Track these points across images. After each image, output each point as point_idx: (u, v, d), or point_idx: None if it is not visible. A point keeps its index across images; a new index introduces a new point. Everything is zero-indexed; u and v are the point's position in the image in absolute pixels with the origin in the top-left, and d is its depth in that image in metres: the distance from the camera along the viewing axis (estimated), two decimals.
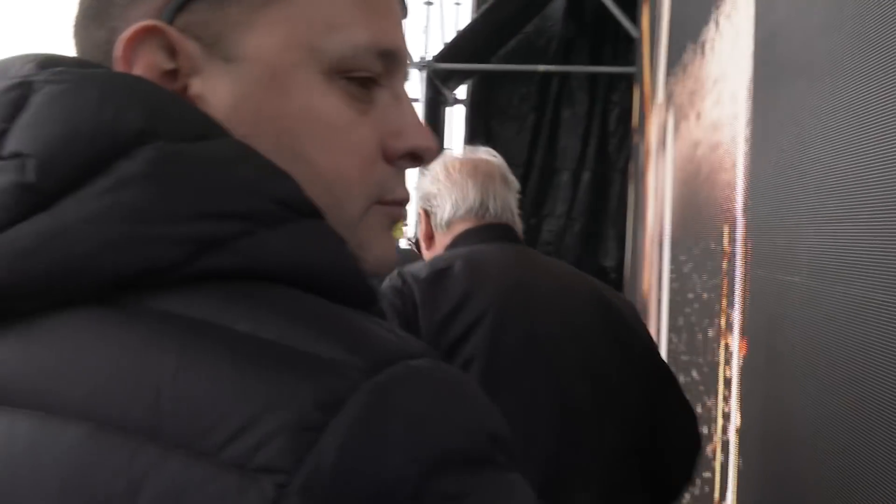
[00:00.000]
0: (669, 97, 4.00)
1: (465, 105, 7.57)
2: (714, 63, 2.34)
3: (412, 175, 1.51)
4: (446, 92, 7.26)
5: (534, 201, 7.41)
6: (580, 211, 7.47)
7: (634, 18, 7.18)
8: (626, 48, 7.57)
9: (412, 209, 1.45)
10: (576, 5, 7.62)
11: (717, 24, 2.31)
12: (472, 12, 7.64)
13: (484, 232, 1.51)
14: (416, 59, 6.86)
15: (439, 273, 1.39)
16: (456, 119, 7.66)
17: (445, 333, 1.33)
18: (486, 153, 1.62)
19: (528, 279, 1.45)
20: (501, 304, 1.37)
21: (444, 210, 1.53)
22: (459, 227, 1.52)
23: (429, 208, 1.57)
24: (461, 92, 7.65)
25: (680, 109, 3.64)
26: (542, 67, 6.89)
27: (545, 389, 1.35)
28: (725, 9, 2.15)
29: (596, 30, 7.55)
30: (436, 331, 1.32)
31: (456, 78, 7.38)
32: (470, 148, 1.67)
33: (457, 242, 1.50)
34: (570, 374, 1.37)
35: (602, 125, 7.49)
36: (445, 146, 7.46)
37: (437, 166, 1.58)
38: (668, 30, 4.24)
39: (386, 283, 1.37)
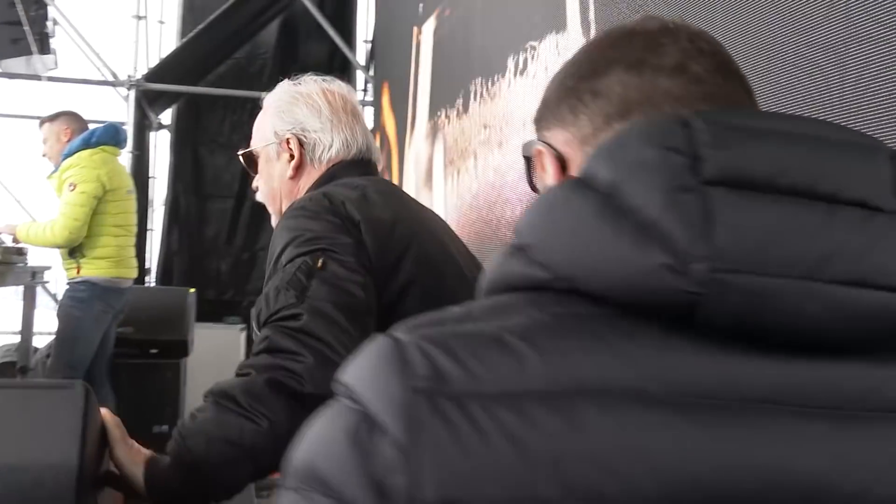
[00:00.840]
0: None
1: (169, 130, 6.98)
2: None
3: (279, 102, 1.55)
4: (152, 115, 6.62)
5: (247, 235, 7.02)
6: None
7: (350, 44, 7.19)
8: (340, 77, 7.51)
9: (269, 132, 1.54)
10: (288, 32, 7.44)
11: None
12: (178, 34, 7.12)
13: (361, 166, 1.54)
14: (123, 77, 6.18)
15: (362, 198, 1.40)
16: (160, 144, 7.01)
17: (384, 257, 1.34)
18: (347, 88, 1.62)
19: (418, 206, 1.58)
20: (419, 229, 1.44)
21: (329, 147, 1.52)
22: (334, 161, 1.52)
23: (304, 139, 1.52)
24: (167, 117, 7.04)
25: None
26: (265, 95, 6.54)
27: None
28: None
29: (309, 58, 7.43)
30: (378, 253, 1.33)
31: (164, 101, 6.78)
32: (328, 78, 1.61)
33: (334, 175, 1.50)
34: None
35: None
36: (150, 174, 6.85)
37: (313, 95, 1.54)
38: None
39: (303, 205, 1.37)
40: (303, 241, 1.29)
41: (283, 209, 1.51)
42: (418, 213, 1.53)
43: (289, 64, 7.34)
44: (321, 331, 1.19)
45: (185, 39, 6.44)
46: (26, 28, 5.91)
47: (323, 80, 1.58)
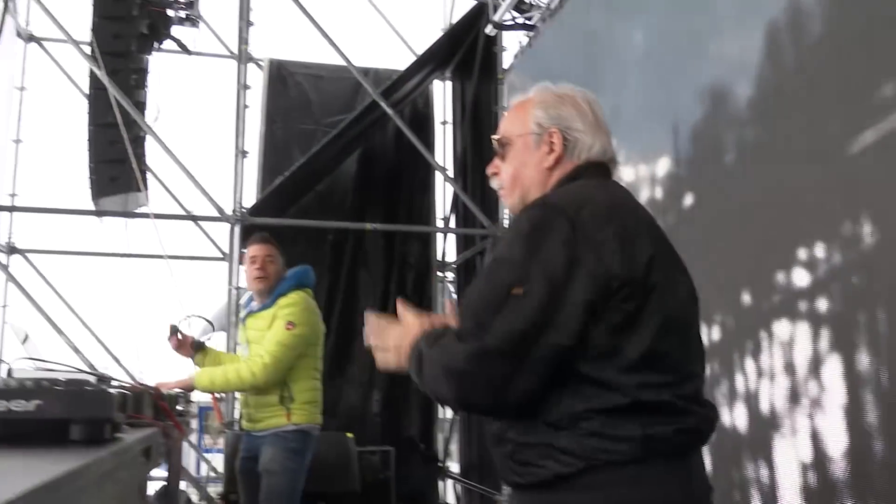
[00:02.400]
0: None
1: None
2: None
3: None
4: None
5: (333, 364, 6.86)
6: (383, 376, 7.05)
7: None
8: (419, 206, 7.61)
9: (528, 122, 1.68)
10: (366, 163, 7.52)
11: None
12: (260, 167, 7.17)
13: (606, 171, 1.69)
14: (228, 211, 6.14)
15: (607, 207, 1.53)
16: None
17: (630, 268, 1.45)
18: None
19: (645, 213, 1.64)
20: (657, 248, 1.53)
21: (590, 147, 1.66)
22: (588, 162, 1.66)
23: (567, 136, 1.66)
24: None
25: None
26: (369, 226, 6.58)
27: (698, 337, 1.61)
28: None
29: (391, 188, 7.50)
30: (623, 265, 1.45)
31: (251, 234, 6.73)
32: (585, 90, 1.76)
33: (578, 176, 1.64)
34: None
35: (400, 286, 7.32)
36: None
37: (578, 99, 1.69)
38: None
39: (540, 212, 1.52)
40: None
41: (529, 195, 1.67)
42: (658, 231, 1.62)
43: (367, 193, 7.43)
44: None
45: (286, 174, 6.46)
46: (133, 165, 5.87)
47: (582, 90, 1.74)
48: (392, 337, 1.61)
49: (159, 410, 2.40)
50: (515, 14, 5.53)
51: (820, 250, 3.10)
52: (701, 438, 1.52)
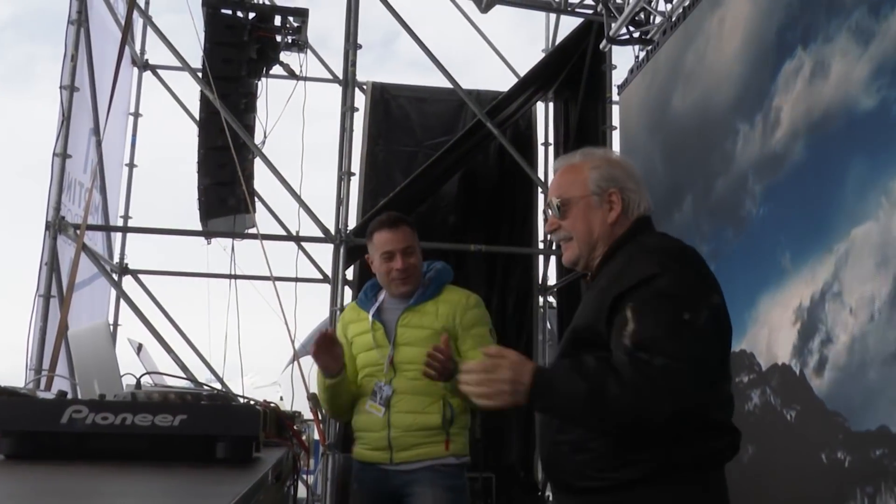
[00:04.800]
0: None
1: (351, 287, 6.89)
2: None
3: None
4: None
5: None
6: None
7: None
8: (521, 228, 7.51)
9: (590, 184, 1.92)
10: (467, 184, 7.47)
11: None
12: (361, 189, 7.22)
13: (650, 223, 1.93)
14: (332, 231, 6.16)
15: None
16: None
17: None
18: None
19: None
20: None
21: (640, 205, 1.91)
22: (639, 216, 1.91)
23: (624, 196, 1.89)
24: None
25: None
26: (473, 247, 6.50)
27: None
28: None
29: (493, 210, 7.43)
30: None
31: (352, 256, 6.73)
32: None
33: (640, 229, 1.89)
34: None
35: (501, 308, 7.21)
36: None
37: (623, 162, 1.97)
38: None
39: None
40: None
41: (597, 248, 1.90)
42: None
43: (468, 214, 7.37)
44: None
45: (390, 196, 6.45)
46: (242, 187, 5.95)
47: (619, 154, 2.05)
48: (506, 372, 1.65)
49: (284, 429, 2.35)
50: (631, 28, 5.39)
51: None
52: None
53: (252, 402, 1.81)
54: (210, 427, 1.42)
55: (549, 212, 1.96)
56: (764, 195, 4.34)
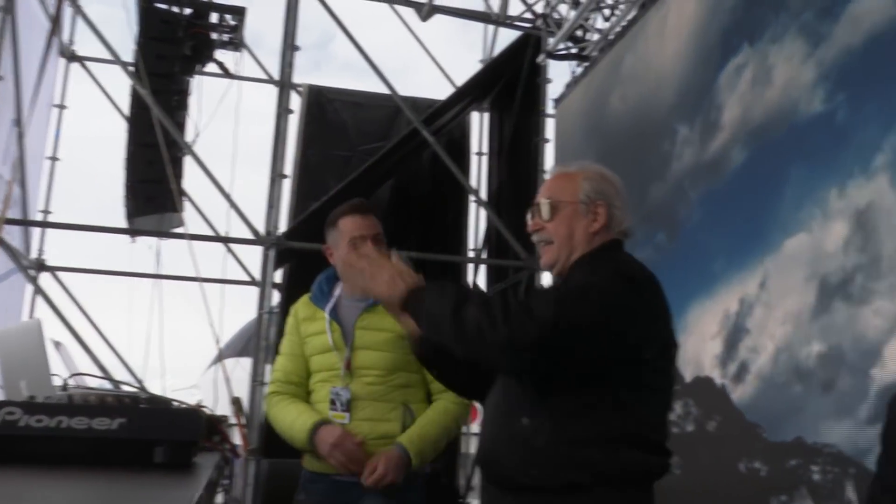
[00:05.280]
0: None
1: (279, 291, 6.81)
2: None
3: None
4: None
5: None
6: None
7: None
8: (452, 236, 7.55)
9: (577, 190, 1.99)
10: (399, 192, 7.48)
11: None
12: (294, 192, 7.15)
13: (622, 245, 2.01)
14: (262, 232, 6.08)
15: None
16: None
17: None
18: None
19: None
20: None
21: (623, 223, 1.99)
22: (619, 234, 1.99)
23: (610, 211, 1.97)
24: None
25: None
26: (404, 254, 6.47)
27: None
28: None
29: (424, 218, 7.45)
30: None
31: (281, 260, 6.66)
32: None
33: (614, 246, 1.98)
34: None
35: None
36: None
37: (615, 180, 2.03)
38: None
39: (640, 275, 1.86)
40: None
41: (574, 253, 1.95)
42: None
43: (400, 221, 7.36)
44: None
45: (323, 200, 6.40)
46: (171, 185, 5.84)
47: (612, 173, 2.05)
48: (388, 269, 1.80)
49: (215, 433, 2.31)
50: (569, 44, 5.49)
51: None
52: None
53: (187, 406, 1.78)
54: (150, 431, 1.39)
55: (532, 213, 2.01)
56: (700, 201, 4.35)
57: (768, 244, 3.65)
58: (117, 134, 6.44)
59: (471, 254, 7.77)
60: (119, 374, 6.16)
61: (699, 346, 4.12)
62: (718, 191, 4.18)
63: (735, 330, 3.84)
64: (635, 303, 1.77)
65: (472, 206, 7.63)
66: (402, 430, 2.55)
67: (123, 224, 6.42)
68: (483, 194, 7.73)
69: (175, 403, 1.58)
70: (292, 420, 2.59)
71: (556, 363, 1.67)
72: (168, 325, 6.49)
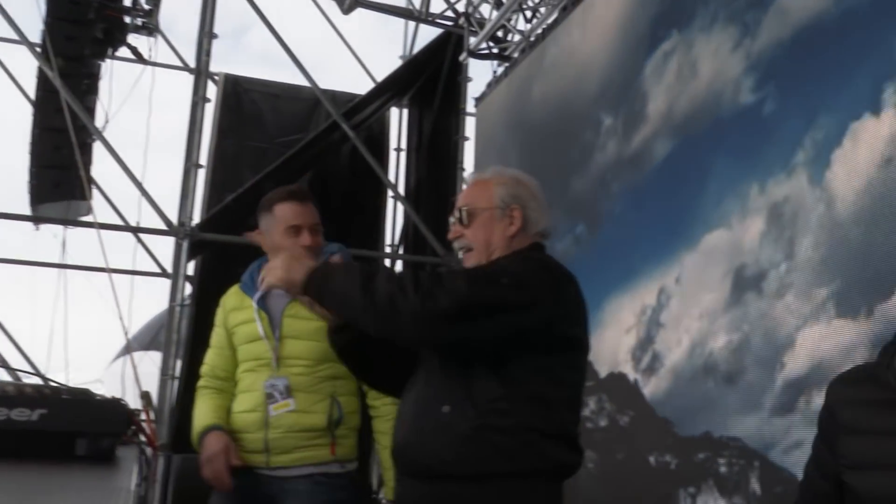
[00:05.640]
0: None
1: (191, 283, 6.65)
2: None
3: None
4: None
5: None
6: None
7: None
8: (370, 232, 7.50)
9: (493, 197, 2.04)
10: (320, 183, 7.40)
11: None
12: (208, 182, 6.99)
13: (544, 248, 2.07)
14: (176, 224, 5.92)
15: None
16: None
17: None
18: None
19: None
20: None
21: (540, 224, 2.05)
22: (537, 237, 2.05)
23: (525, 213, 2.03)
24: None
25: None
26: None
27: None
28: None
29: (342, 213, 7.39)
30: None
31: (195, 251, 6.50)
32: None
33: (535, 248, 2.03)
34: None
35: None
36: None
37: (530, 183, 2.09)
38: None
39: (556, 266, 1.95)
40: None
41: (492, 258, 2.00)
42: None
43: (320, 214, 7.27)
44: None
45: (239, 191, 6.27)
46: (80, 172, 5.64)
47: (529, 176, 2.12)
48: (283, 257, 1.88)
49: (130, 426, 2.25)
50: (490, 43, 5.54)
51: None
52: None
53: (110, 398, 1.73)
54: (72, 423, 1.35)
55: (452, 220, 2.07)
56: (622, 193, 4.31)
57: (687, 238, 3.68)
58: (22, 117, 6.19)
59: (388, 249, 7.75)
60: (21, 367, 5.91)
61: (615, 341, 4.18)
62: (641, 184, 4.17)
63: (650, 324, 3.91)
64: (549, 288, 1.82)
65: (391, 202, 7.61)
66: (328, 424, 2.48)
67: (27, 211, 6.16)
68: (401, 190, 7.73)
69: (98, 396, 1.53)
70: (196, 417, 2.51)
71: (466, 336, 1.72)
72: (72, 317, 6.26)
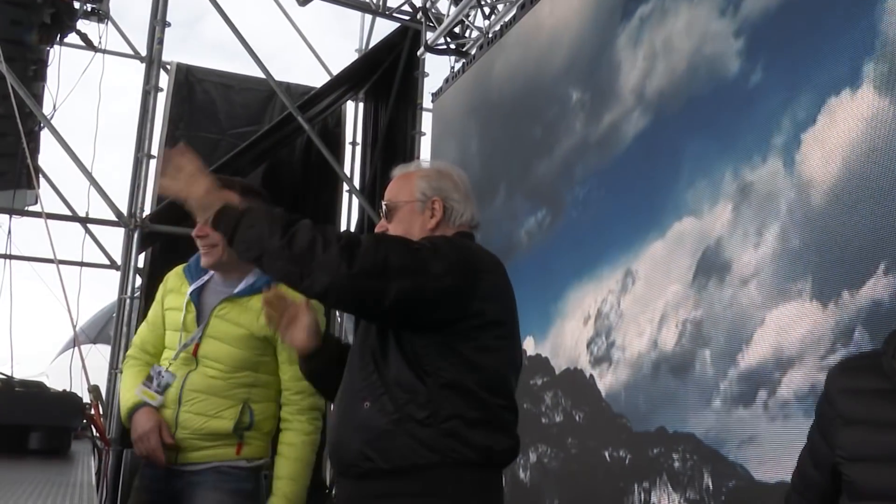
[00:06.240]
0: None
1: (140, 275, 6.53)
2: None
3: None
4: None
5: None
6: None
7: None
8: (323, 225, 7.43)
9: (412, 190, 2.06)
10: (272, 176, 7.32)
11: None
12: (158, 172, 6.86)
13: (472, 235, 2.07)
14: (126, 215, 5.80)
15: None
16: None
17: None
18: None
19: None
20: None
21: (464, 215, 2.05)
22: (461, 227, 2.05)
23: (446, 204, 2.04)
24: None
25: None
26: None
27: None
28: None
29: (296, 206, 7.31)
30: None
31: (146, 243, 6.38)
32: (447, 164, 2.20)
33: (462, 236, 2.00)
34: None
35: None
36: None
37: (453, 175, 2.09)
38: None
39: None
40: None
41: None
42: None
43: (274, 207, 7.18)
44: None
45: None
46: (27, 160, 5.47)
47: (456, 167, 2.15)
48: (189, 169, 1.82)
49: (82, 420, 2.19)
50: (447, 39, 5.52)
51: None
52: None
53: (63, 391, 1.68)
54: (25, 416, 1.30)
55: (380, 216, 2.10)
56: (587, 176, 4.05)
57: (655, 226, 3.53)
58: None
59: None
60: None
61: (576, 333, 4.12)
62: (608, 167, 3.96)
63: (610, 316, 3.84)
64: (465, 266, 1.82)
65: (346, 196, 7.57)
66: (235, 429, 2.45)
67: None
68: (357, 184, 7.68)
69: (51, 389, 1.48)
70: (124, 392, 2.42)
71: (377, 294, 1.68)
72: (17, 310, 6.07)
